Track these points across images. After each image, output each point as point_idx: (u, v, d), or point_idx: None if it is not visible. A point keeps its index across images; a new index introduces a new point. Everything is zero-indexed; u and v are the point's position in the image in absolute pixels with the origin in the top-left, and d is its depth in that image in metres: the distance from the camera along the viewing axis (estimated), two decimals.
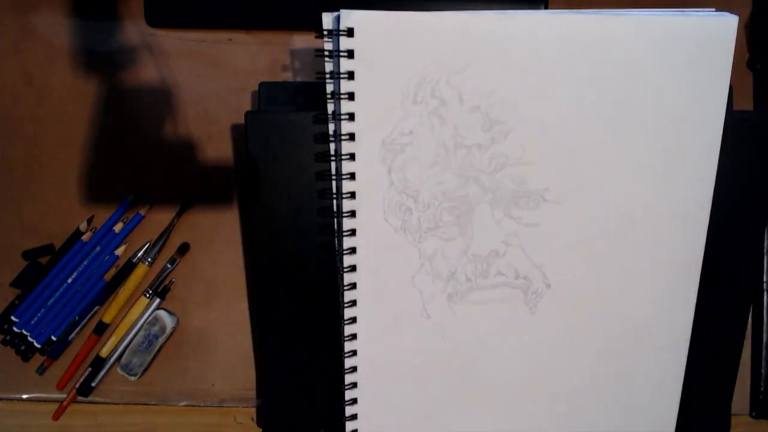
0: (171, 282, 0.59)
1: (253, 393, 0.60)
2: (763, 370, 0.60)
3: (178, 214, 0.59)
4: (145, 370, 0.59)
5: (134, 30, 0.59)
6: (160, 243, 0.58)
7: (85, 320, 0.59)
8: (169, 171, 0.59)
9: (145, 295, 0.59)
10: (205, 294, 0.60)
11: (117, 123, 0.59)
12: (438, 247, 0.48)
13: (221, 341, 0.60)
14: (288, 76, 0.59)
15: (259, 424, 0.60)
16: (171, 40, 0.59)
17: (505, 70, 0.44)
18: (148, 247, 0.59)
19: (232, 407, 0.60)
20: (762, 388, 0.60)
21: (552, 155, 0.46)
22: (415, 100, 0.44)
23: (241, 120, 0.48)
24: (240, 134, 0.59)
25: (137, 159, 0.59)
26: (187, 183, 0.59)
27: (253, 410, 0.61)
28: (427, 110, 0.45)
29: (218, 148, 0.59)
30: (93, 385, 0.59)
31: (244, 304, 0.60)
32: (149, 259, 0.58)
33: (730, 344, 0.55)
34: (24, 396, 0.61)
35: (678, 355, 0.52)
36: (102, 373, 0.59)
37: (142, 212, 0.59)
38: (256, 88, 0.57)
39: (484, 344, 0.51)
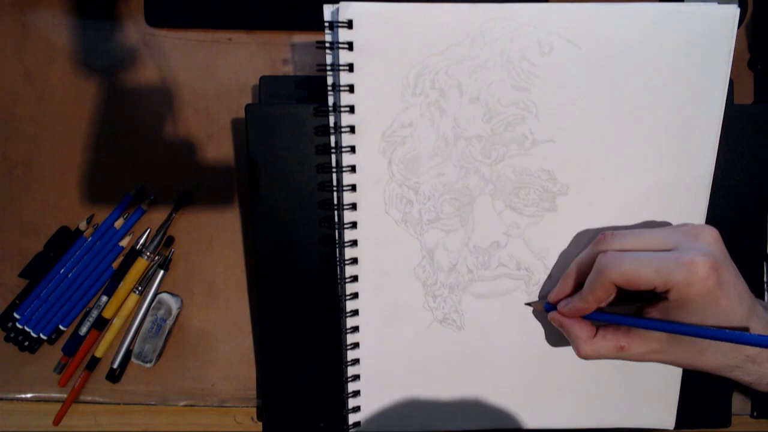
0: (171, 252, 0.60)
1: (253, 393, 0.60)
2: None
3: (176, 209, 0.59)
4: (160, 355, 0.59)
5: (134, 30, 0.59)
6: (158, 237, 0.59)
7: (99, 313, 0.59)
8: (169, 171, 0.59)
9: (135, 292, 0.59)
10: (205, 294, 0.60)
11: (117, 123, 0.59)
12: (439, 239, 0.48)
13: (221, 341, 0.60)
14: (288, 71, 0.60)
15: (260, 418, 0.60)
16: (171, 40, 0.59)
17: (504, 61, 0.44)
18: (147, 237, 0.59)
19: (232, 407, 0.60)
20: None
21: (552, 146, 0.46)
22: (415, 92, 0.44)
23: (241, 118, 0.49)
24: (240, 129, 0.59)
25: (137, 159, 0.59)
26: (187, 183, 0.59)
27: (254, 410, 0.60)
28: (427, 102, 0.45)
29: (218, 148, 0.59)
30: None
31: (244, 304, 0.60)
32: (148, 253, 0.58)
33: None
34: (24, 395, 0.60)
35: None
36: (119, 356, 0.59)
37: (143, 206, 0.59)
38: (256, 88, 0.58)
39: (486, 335, 0.51)
